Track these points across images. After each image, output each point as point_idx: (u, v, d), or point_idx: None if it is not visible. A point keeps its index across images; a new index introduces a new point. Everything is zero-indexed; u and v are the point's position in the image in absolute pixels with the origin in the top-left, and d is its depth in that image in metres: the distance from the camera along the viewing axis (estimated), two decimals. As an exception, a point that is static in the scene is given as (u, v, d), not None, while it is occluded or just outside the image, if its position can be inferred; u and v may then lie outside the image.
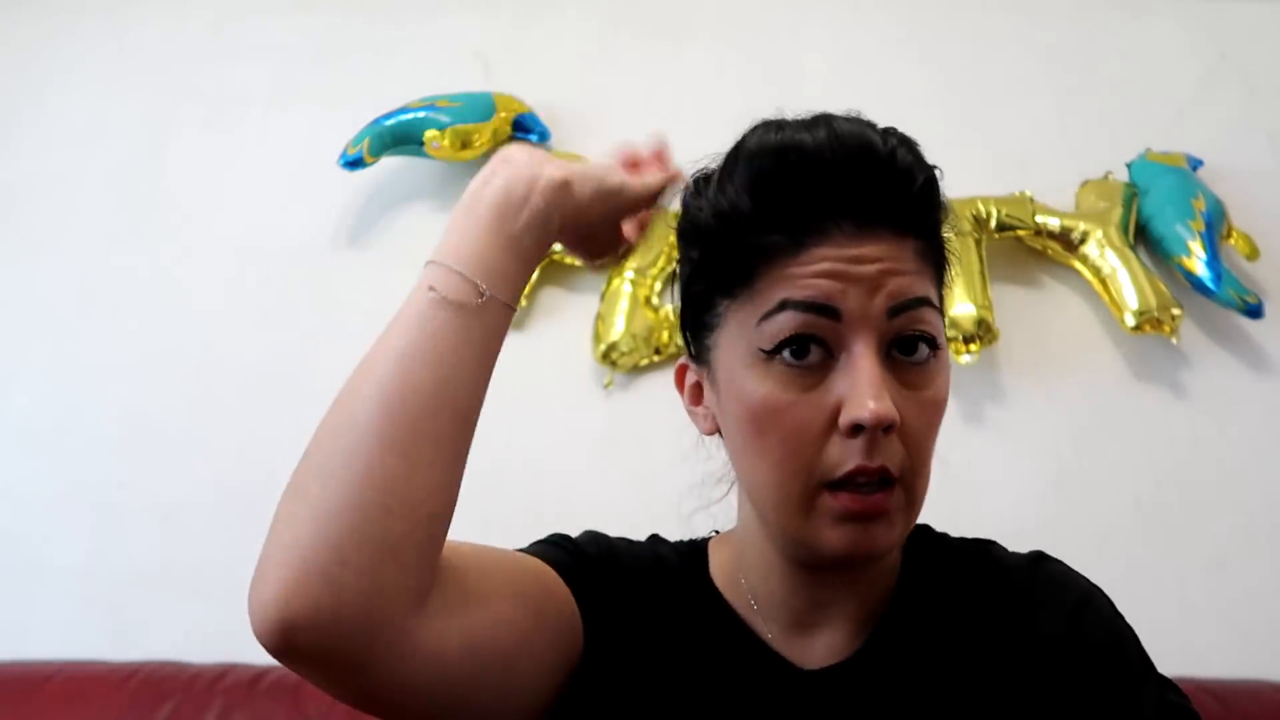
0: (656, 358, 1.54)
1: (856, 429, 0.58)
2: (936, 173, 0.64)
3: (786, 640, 0.68)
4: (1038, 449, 1.55)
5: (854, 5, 1.83)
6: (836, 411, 0.59)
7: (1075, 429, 1.55)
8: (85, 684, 1.23)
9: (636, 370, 1.55)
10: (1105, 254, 1.55)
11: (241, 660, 1.26)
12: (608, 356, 1.53)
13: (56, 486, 1.53)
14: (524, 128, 1.69)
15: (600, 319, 1.55)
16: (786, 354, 0.59)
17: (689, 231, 0.68)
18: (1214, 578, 1.47)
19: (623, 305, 1.54)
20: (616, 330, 1.52)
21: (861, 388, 0.58)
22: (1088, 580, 0.68)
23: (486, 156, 1.66)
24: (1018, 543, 0.72)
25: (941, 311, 0.64)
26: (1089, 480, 1.52)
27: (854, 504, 0.58)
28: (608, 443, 1.52)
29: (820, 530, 0.59)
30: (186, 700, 1.21)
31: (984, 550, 0.73)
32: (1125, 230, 1.57)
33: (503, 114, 1.66)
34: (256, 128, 1.75)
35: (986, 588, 0.69)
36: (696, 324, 0.67)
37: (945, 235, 0.66)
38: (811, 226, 0.60)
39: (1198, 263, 1.54)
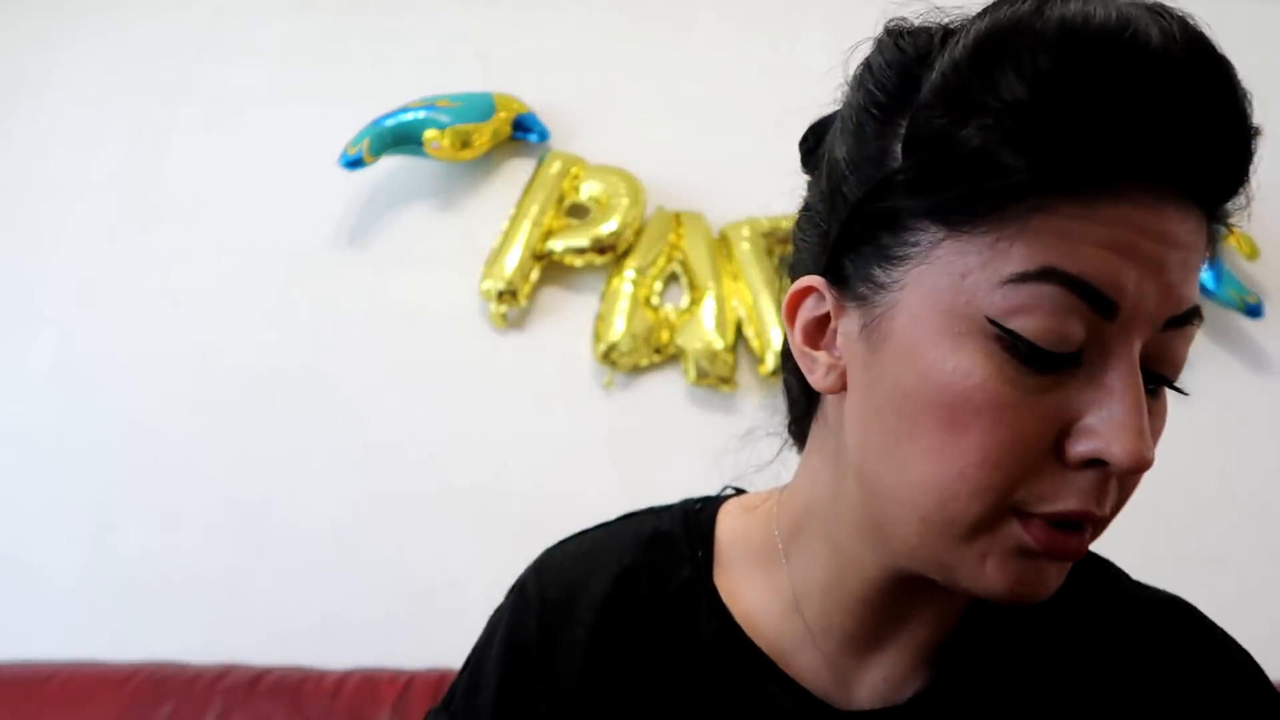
0: (656, 357, 1.54)
1: (1097, 464, 0.43)
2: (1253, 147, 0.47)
3: (828, 666, 0.53)
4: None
5: (853, 5, 1.83)
6: (1067, 427, 0.43)
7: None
8: (85, 684, 1.23)
9: (636, 370, 1.55)
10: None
11: (241, 660, 1.26)
12: (608, 356, 1.53)
13: (57, 487, 1.53)
14: (524, 128, 1.69)
15: (600, 319, 1.55)
16: (1024, 348, 0.41)
17: (891, 102, 0.46)
18: (1213, 577, 1.47)
19: (623, 305, 1.54)
20: (616, 330, 1.52)
21: (1124, 418, 0.42)
22: (1239, 645, 0.57)
23: (486, 156, 1.68)
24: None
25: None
26: (1089, 480, 1.52)
27: (1049, 540, 0.43)
28: (608, 443, 1.52)
29: (983, 561, 0.44)
30: (186, 700, 1.21)
31: (1103, 569, 0.59)
32: (1125, 230, 1.57)
33: (503, 114, 1.66)
34: (256, 128, 1.75)
35: (1100, 614, 0.55)
36: (864, 240, 0.46)
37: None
38: (1126, 170, 0.41)
39: (1198, 263, 1.54)
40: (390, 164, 1.67)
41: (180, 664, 1.27)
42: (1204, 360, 1.59)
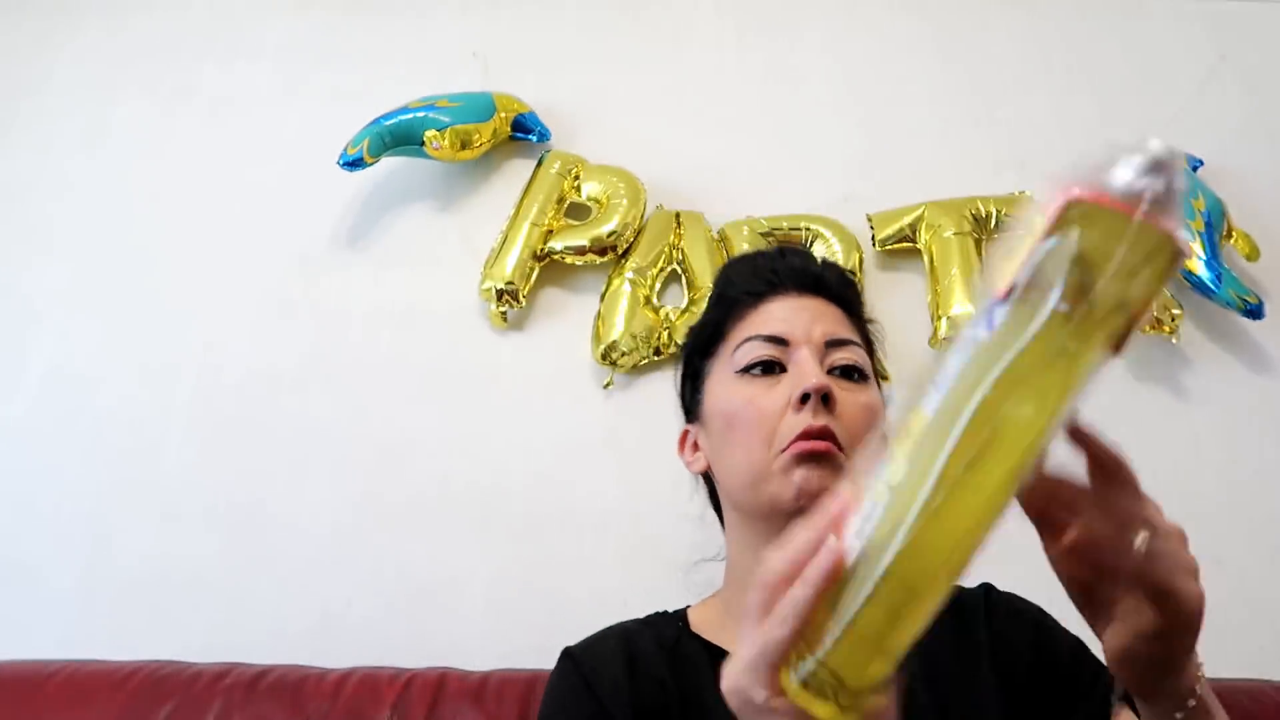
0: (656, 358, 1.54)
1: (804, 398, 0.78)
2: (856, 283, 0.93)
3: None
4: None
5: (852, 7, 1.83)
6: (788, 398, 0.79)
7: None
8: (85, 684, 1.23)
9: (636, 370, 1.55)
10: (1105, 254, 1.55)
11: (241, 660, 1.26)
12: (608, 356, 1.53)
13: (57, 486, 1.53)
14: (524, 128, 1.69)
15: (600, 319, 1.55)
16: (755, 370, 0.83)
17: (685, 347, 0.95)
18: (1213, 577, 1.46)
19: (623, 305, 1.54)
20: (616, 330, 1.52)
21: (804, 369, 0.80)
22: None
23: (486, 156, 1.68)
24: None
25: (873, 363, 0.87)
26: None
27: (804, 445, 0.76)
28: (608, 443, 1.52)
29: (783, 482, 0.76)
30: (186, 700, 1.21)
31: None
32: (1125, 230, 1.57)
33: (503, 114, 1.66)
34: (256, 128, 1.75)
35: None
36: (692, 392, 0.91)
37: (868, 324, 0.92)
38: (765, 292, 0.88)
39: (1198, 263, 1.54)
40: (390, 164, 1.67)
41: (180, 664, 1.26)
42: (1204, 360, 1.59)
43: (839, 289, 0.89)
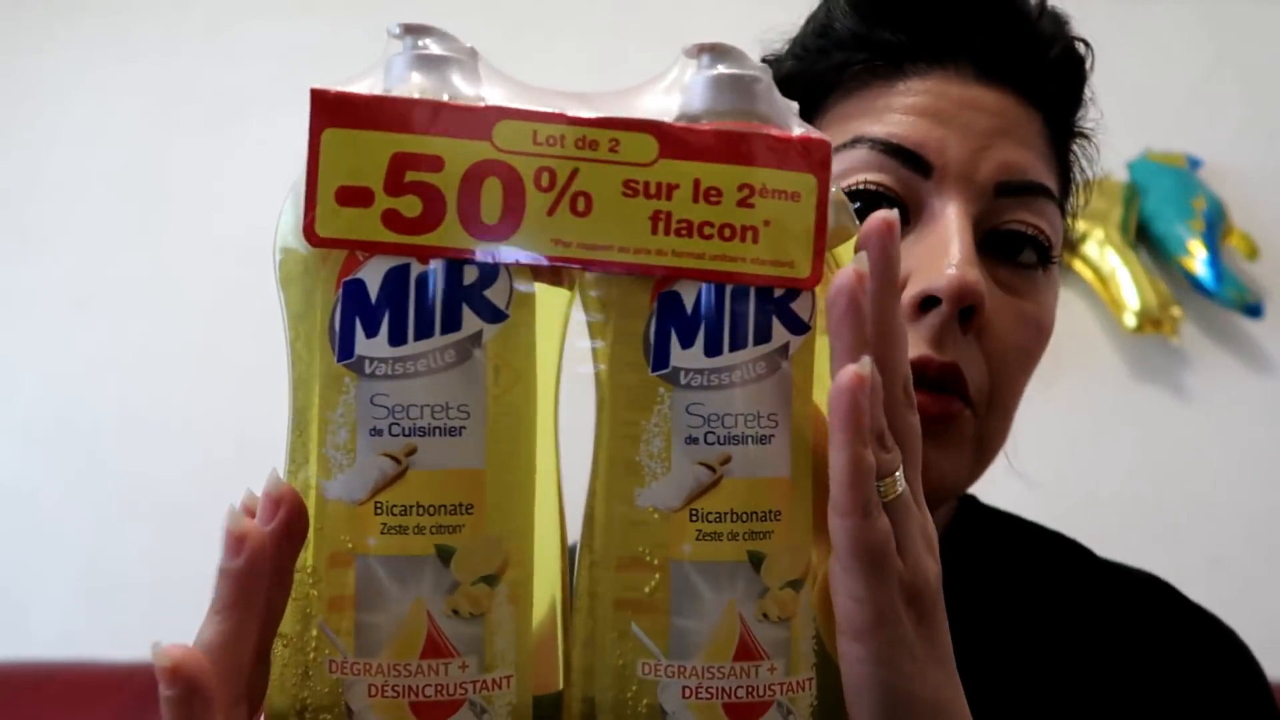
0: (656, 358, 1.53)
1: (928, 302, 0.43)
2: (1086, 54, 0.51)
3: None
4: (1036, 448, 1.55)
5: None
6: (902, 288, 0.43)
7: (1074, 428, 1.55)
8: (85, 684, 1.23)
9: (636, 370, 1.55)
10: (1105, 254, 1.55)
11: (241, 660, 1.26)
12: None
13: (57, 486, 1.52)
14: (524, 128, 1.69)
15: (600, 319, 1.55)
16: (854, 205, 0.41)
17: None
18: (1213, 577, 1.46)
19: (623, 305, 1.53)
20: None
21: (944, 250, 0.43)
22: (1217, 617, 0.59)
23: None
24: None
25: (1064, 220, 0.50)
26: (1088, 479, 1.52)
27: (922, 400, 0.38)
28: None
29: None
30: (186, 700, 1.21)
31: (1070, 547, 0.59)
32: (1125, 230, 1.57)
33: (503, 114, 1.66)
34: (256, 128, 1.75)
35: (1074, 589, 0.55)
36: None
37: (1080, 138, 0.53)
38: (918, 51, 0.46)
39: (1198, 263, 1.54)
40: (390, 164, 1.67)
41: (180, 664, 1.26)
42: (1204, 360, 1.59)
43: (1057, 69, 0.49)
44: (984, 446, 0.49)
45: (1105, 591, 0.57)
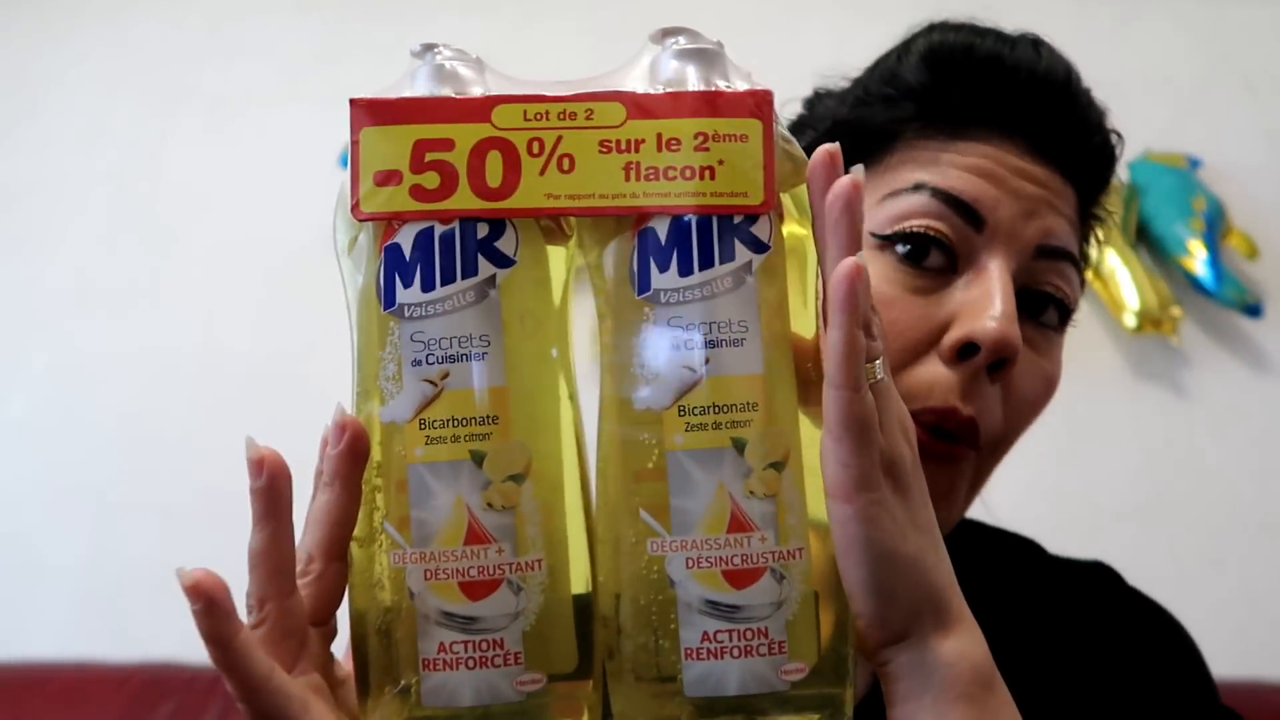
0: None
1: (967, 349, 0.47)
2: (1118, 144, 0.59)
3: None
4: (1036, 448, 1.55)
5: (852, 8, 1.83)
6: (944, 329, 0.48)
7: (1074, 428, 1.55)
8: (85, 684, 1.23)
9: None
10: (1105, 254, 1.55)
11: (241, 660, 1.26)
12: (607, 356, 1.52)
13: (56, 486, 1.52)
14: (524, 128, 1.69)
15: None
16: (901, 247, 0.49)
17: (816, 100, 0.59)
18: (1213, 577, 1.47)
19: (622, 305, 1.53)
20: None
21: (988, 301, 0.47)
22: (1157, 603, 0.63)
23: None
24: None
25: (1082, 286, 0.55)
26: (1088, 479, 1.52)
27: (926, 440, 0.45)
28: (607, 443, 1.52)
29: None
30: (186, 700, 1.21)
31: (1024, 546, 0.64)
32: (1125, 230, 1.57)
33: (503, 114, 1.66)
34: (256, 128, 1.75)
35: (1038, 589, 0.60)
36: None
37: (1098, 217, 0.58)
38: (981, 118, 0.51)
39: (1198, 263, 1.54)
40: (390, 164, 1.67)
41: (180, 664, 1.26)
42: (1204, 360, 1.59)
43: (1095, 155, 0.56)
44: (978, 483, 0.55)
45: (1053, 584, 0.61)
